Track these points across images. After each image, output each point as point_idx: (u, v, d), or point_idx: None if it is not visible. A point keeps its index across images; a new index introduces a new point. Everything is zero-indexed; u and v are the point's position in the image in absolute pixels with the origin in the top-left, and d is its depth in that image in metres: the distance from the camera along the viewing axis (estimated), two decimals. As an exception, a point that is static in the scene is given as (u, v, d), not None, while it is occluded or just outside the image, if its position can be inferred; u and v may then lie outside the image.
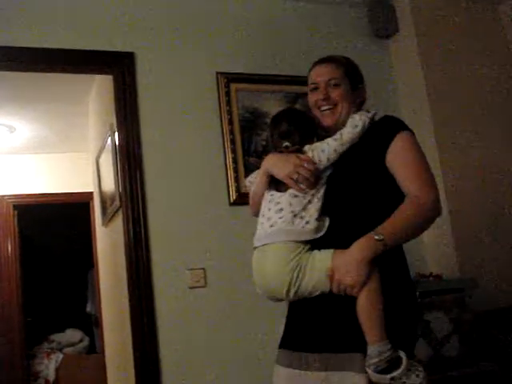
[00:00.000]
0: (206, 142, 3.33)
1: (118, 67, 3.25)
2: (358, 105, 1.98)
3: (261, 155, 3.34)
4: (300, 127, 1.89)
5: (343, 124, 1.88)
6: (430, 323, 3.12)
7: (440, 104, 3.69)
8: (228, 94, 3.36)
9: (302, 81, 3.48)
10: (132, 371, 3.17)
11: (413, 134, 1.86)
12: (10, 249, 5.67)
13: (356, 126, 1.83)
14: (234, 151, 3.30)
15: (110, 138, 3.68)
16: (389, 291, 1.70)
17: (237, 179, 3.26)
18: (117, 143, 3.37)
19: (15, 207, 5.77)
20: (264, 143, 3.38)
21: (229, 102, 3.35)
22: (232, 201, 3.26)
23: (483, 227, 3.58)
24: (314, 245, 1.74)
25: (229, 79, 3.39)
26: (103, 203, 4.20)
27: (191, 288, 3.13)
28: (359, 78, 2.01)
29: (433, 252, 3.62)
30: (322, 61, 2.01)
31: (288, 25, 3.68)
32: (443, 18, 3.87)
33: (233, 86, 3.38)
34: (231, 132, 3.32)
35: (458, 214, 3.54)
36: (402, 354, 1.65)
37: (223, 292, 3.17)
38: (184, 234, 3.17)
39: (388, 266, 1.73)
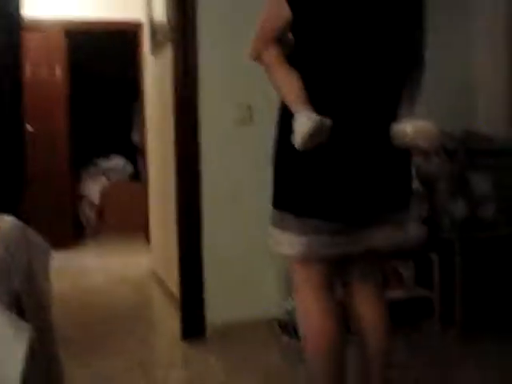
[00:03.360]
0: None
1: None
2: None
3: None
4: None
5: None
6: (469, 183, 3.11)
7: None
8: None
9: None
10: (173, 202, 3.29)
11: None
12: (59, 73, 5.70)
13: None
14: None
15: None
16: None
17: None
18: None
19: (66, 33, 5.72)
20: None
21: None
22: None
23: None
24: None
25: None
26: (153, 32, 4.12)
27: (237, 125, 3.14)
28: None
29: (486, 113, 3.51)
30: None
31: None
32: None
33: None
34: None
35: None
36: None
37: (269, 130, 3.16)
38: (235, 70, 3.11)
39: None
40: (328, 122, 1.62)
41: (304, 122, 1.61)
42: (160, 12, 3.73)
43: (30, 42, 5.20)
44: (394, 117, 1.75)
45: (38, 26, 5.48)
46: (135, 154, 6.82)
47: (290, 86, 1.72)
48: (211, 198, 3.14)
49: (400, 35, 1.75)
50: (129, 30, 5.63)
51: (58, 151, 5.75)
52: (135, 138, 6.77)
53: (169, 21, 3.38)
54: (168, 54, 3.38)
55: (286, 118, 1.74)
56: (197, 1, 3.07)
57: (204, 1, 3.09)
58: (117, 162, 6.99)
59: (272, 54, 1.75)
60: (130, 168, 6.99)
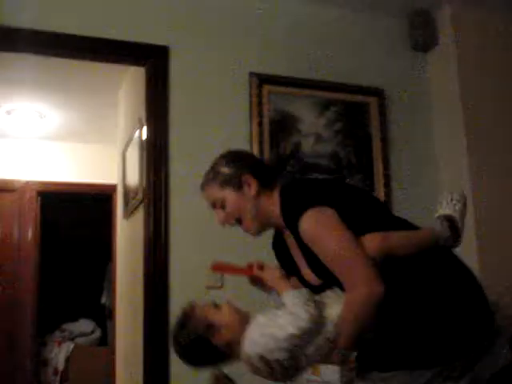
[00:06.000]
0: (235, 142, 3.28)
1: (152, 60, 3.23)
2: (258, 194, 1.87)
3: (288, 160, 3.30)
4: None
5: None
6: None
7: (475, 121, 3.59)
8: (260, 95, 3.32)
9: (334, 86, 3.49)
10: (141, 368, 3.14)
11: (317, 207, 1.70)
12: (30, 235, 5.68)
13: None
14: (261, 154, 3.25)
15: (137, 132, 3.66)
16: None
17: (262, 182, 3.21)
18: (144, 137, 3.35)
19: (39, 194, 5.78)
20: (292, 148, 3.33)
21: (260, 104, 3.30)
22: (255, 204, 3.21)
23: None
24: None
25: (261, 80, 3.34)
26: (126, 196, 4.18)
27: (208, 288, 3.08)
28: (240, 173, 1.87)
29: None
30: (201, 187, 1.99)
31: (325, 30, 3.63)
32: (485, 33, 3.77)
33: (265, 88, 3.33)
34: (260, 134, 3.27)
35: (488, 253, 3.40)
36: None
37: (240, 293, 3.11)
38: (205, 234, 3.12)
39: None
40: None
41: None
42: (133, 177, 3.81)
43: (3, 201, 5.24)
44: None
45: (10, 187, 5.55)
46: (104, 317, 6.63)
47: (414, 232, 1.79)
48: (179, 368, 2.99)
49: None
50: (103, 193, 5.71)
51: (24, 314, 5.55)
52: (104, 301, 6.63)
53: (141, 185, 3.43)
54: (140, 218, 3.40)
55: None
56: (169, 165, 3.15)
57: (176, 165, 3.17)
58: (85, 326, 6.78)
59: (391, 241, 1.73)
60: (98, 332, 6.77)
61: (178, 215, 3.13)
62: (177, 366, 3.00)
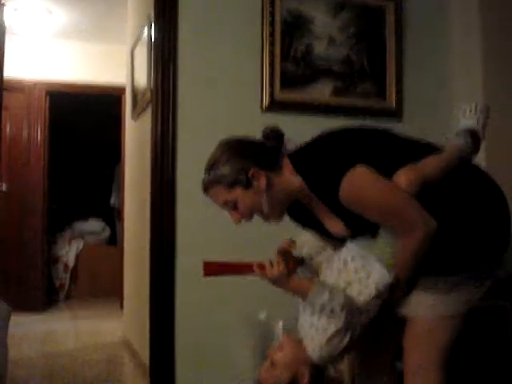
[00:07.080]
0: (245, 42, 3.21)
1: (161, -46, 3.10)
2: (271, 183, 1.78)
3: (299, 62, 3.23)
4: None
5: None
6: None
7: (493, 28, 3.45)
8: (272, -7, 3.21)
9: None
10: (147, 267, 3.22)
11: (350, 170, 1.67)
12: (39, 135, 5.69)
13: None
14: (272, 55, 3.17)
15: (146, 30, 3.57)
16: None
17: (272, 85, 3.16)
18: (152, 36, 3.27)
19: (48, 93, 5.74)
20: (304, 50, 3.25)
21: (272, 3, 3.19)
22: (265, 108, 3.17)
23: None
24: None
25: (274, -23, 3.22)
26: (134, 97, 4.14)
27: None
28: (246, 169, 1.77)
29: None
30: (204, 190, 1.86)
31: None
32: None
33: (278, -14, 3.22)
34: (271, 35, 3.17)
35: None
36: None
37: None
38: (211, 134, 3.09)
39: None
40: None
41: None
42: (142, 77, 3.76)
43: (11, 101, 5.22)
44: None
45: (19, 86, 5.51)
46: (113, 217, 6.76)
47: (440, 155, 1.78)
48: (185, 267, 3.07)
49: None
50: (112, 93, 5.67)
51: (34, 211, 5.66)
52: (113, 202, 6.73)
53: (149, 85, 3.39)
54: (148, 119, 3.38)
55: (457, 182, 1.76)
56: (177, 64, 3.10)
57: (185, 66, 3.12)
58: (95, 225, 6.93)
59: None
60: (107, 232, 6.92)
61: (186, 115, 3.10)
62: (183, 263, 3.08)
